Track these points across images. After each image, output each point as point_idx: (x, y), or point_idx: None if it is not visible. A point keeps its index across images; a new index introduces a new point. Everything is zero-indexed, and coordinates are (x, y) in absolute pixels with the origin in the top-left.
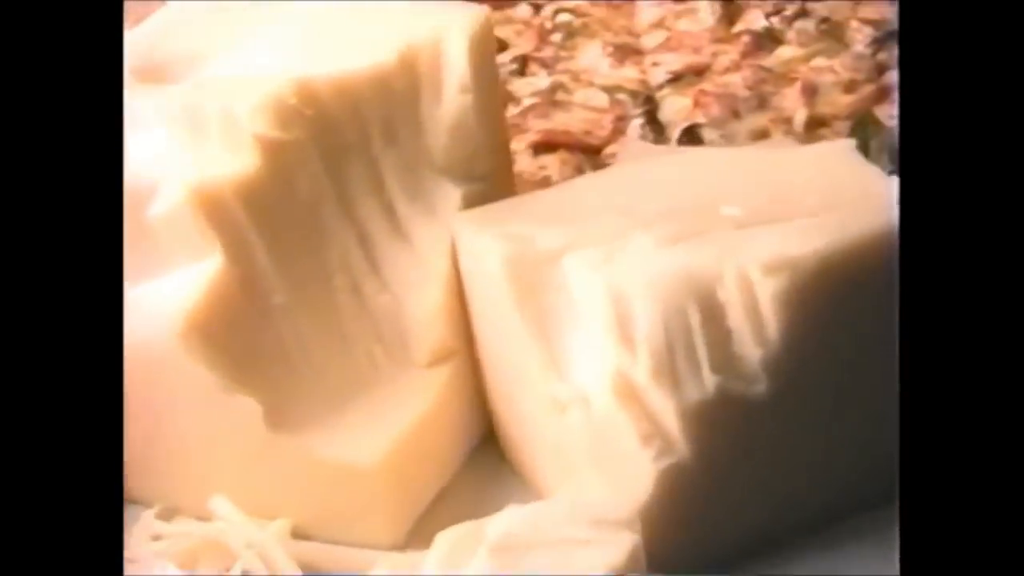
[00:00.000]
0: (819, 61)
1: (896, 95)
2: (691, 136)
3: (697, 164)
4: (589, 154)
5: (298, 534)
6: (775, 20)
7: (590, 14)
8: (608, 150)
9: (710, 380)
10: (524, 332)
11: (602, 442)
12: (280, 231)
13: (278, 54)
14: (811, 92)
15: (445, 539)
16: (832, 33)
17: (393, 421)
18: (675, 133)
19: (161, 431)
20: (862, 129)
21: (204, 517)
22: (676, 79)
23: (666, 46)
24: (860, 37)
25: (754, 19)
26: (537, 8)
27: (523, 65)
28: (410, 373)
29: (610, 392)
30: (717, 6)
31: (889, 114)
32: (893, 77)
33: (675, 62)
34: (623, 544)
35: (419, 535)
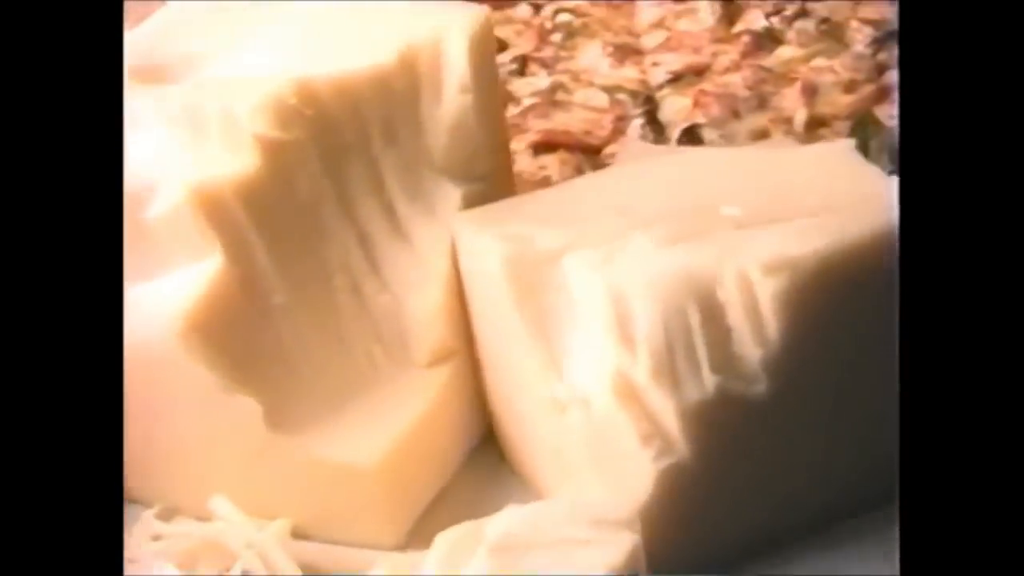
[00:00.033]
0: (819, 61)
1: (896, 95)
2: (691, 136)
3: (697, 164)
4: (589, 154)
5: (298, 534)
6: (775, 20)
7: (590, 14)
8: (608, 150)
9: (710, 380)
10: (524, 332)
11: (602, 442)
12: (280, 231)
13: (278, 54)
14: (811, 92)
15: (444, 539)
16: (832, 33)
17: (393, 421)
18: (675, 133)
19: (161, 431)
20: (862, 129)
21: (204, 517)
22: (676, 79)
23: (666, 46)
24: (860, 37)
25: (754, 19)
26: (537, 8)
27: (523, 65)
28: (410, 373)
29: (610, 392)
30: (717, 6)
31: (889, 114)
32: (893, 77)
33: (675, 62)
34: (623, 544)
35: (419, 535)
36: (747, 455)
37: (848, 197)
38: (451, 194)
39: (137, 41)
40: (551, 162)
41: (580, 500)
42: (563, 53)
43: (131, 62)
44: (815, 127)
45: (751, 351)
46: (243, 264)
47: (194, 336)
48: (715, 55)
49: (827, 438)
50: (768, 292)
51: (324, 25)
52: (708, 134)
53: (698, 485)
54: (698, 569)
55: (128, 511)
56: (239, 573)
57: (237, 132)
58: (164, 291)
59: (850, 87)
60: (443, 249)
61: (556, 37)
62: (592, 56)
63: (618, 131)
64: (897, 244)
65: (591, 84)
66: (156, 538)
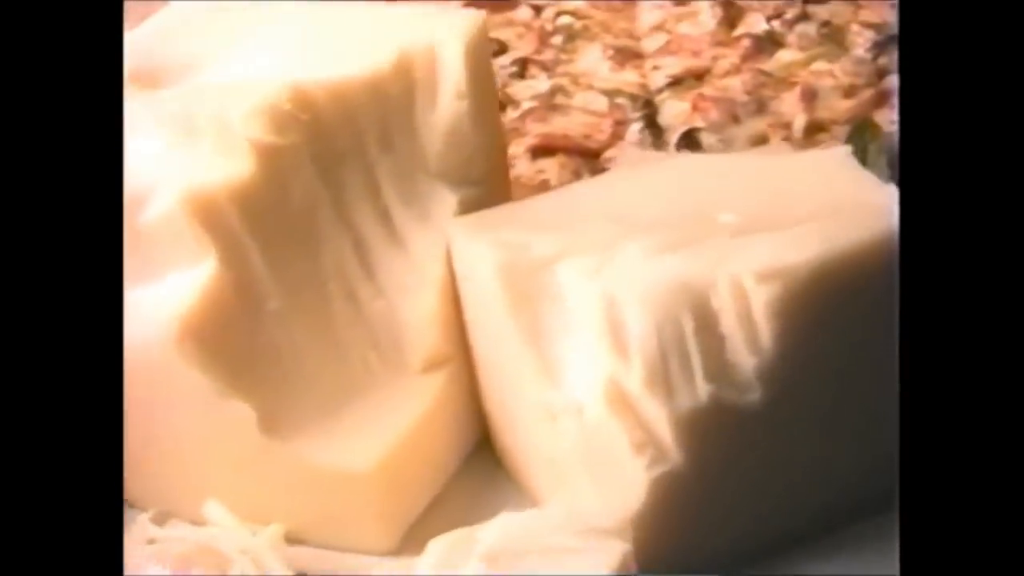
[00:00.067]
0: (819, 65)
1: (896, 100)
2: (690, 141)
3: (692, 171)
4: (587, 158)
5: (292, 539)
6: (776, 24)
7: (591, 16)
8: (607, 154)
9: (703, 388)
10: (517, 339)
11: (595, 450)
12: (275, 236)
13: (274, 59)
14: (810, 97)
15: (437, 546)
16: (833, 37)
17: (387, 427)
18: (674, 137)
19: (155, 435)
20: (860, 135)
21: (198, 521)
22: (676, 83)
23: (666, 49)
24: (861, 41)
25: (755, 22)
26: (538, 10)
27: (523, 68)
28: (405, 379)
29: (603, 400)
30: (718, 9)
31: (888, 119)
32: (893, 82)
33: (675, 66)
34: (613, 553)
35: (413, 541)
36: (740, 464)
37: (843, 205)
38: (446, 199)
39: (135, 44)
40: (549, 166)
41: (572, 508)
42: (563, 56)
43: (129, 64)
44: (814, 132)
45: (745, 359)
46: (238, 269)
47: (189, 341)
48: (715, 59)
49: (821, 446)
50: (762, 300)
51: (320, 30)
52: (707, 138)
53: (691, 493)
54: None
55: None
56: None
57: (232, 137)
58: (159, 296)
59: (850, 92)
60: (438, 255)
61: (556, 40)
62: (592, 59)
63: (617, 135)
64: (893, 251)
65: (591, 87)
66: (151, 542)
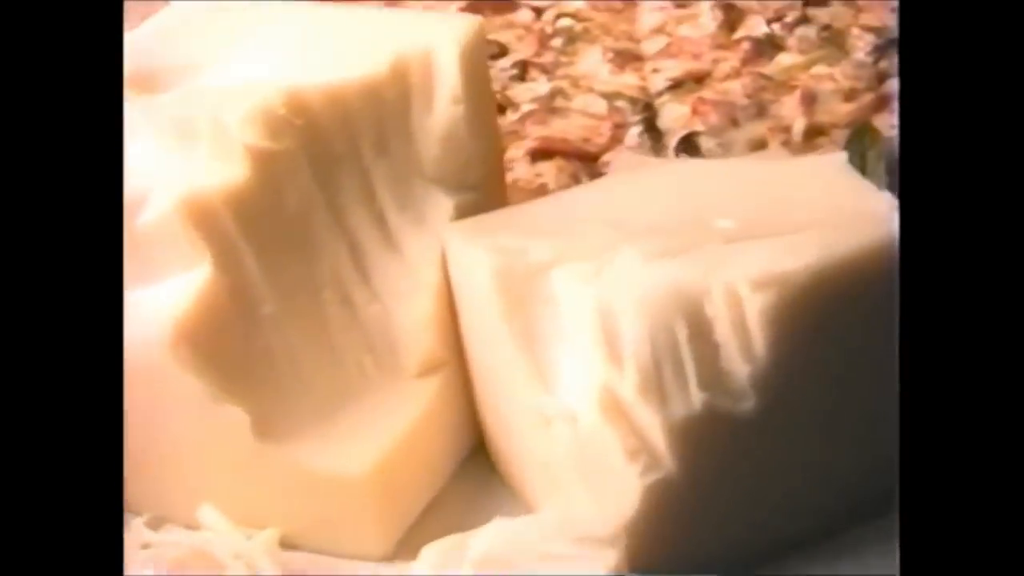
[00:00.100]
0: (819, 69)
1: (896, 104)
2: (689, 144)
3: (688, 176)
4: (586, 162)
5: (286, 544)
6: (776, 27)
7: (591, 19)
8: (605, 158)
9: (697, 396)
10: (512, 344)
11: (589, 457)
12: (270, 241)
13: (270, 62)
14: (810, 101)
15: (430, 552)
16: (833, 40)
17: (382, 431)
18: (673, 141)
19: (150, 439)
20: (859, 140)
21: (193, 526)
22: (676, 86)
23: (667, 52)
24: (861, 45)
25: (755, 25)
26: (538, 13)
27: (523, 71)
28: (400, 383)
29: (597, 407)
30: (718, 12)
31: (888, 123)
32: (893, 86)
33: (675, 68)
34: (605, 561)
35: (408, 546)
36: (734, 471)
37: (839, 212)
38: (442, 204)
39: (133, 46)
40: (548, 169)
41: (565, 515)
42: (563, 58)
43: (127, 67)
44: (814, 136)
45: (739, 367)
46: (232, 274)
47: (183, 345)
48: (716, 62)
49: (815, 454)
50: (756, 308)
51: (317, 33)
52: (706, 142)
53: (685, 501)
54: None
55: None
56: None
57: (227, 142)
58: (153, 300)
59: (850, 96)
60: (434, 259)
61: (557, 42)
62: (592, 62)
63: (616, 139)
64: (888, 259)
65: (591, 90)
66: (145, 546)
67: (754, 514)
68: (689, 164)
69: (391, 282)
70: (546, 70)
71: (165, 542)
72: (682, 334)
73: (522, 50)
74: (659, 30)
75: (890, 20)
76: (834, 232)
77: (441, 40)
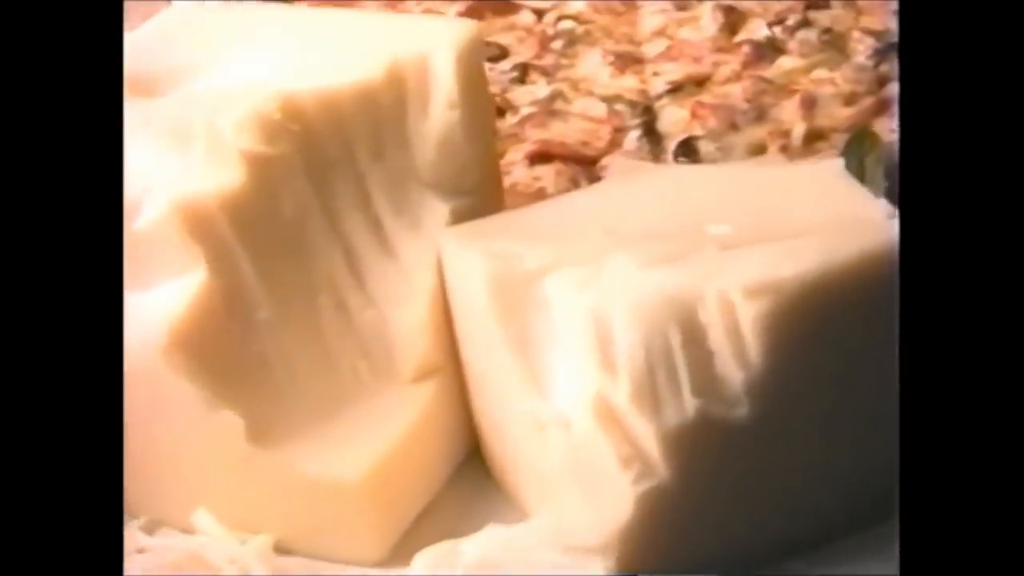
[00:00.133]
0: (820, 72)
1: (896, 108)
2: (688, 148)
3: (685, 182)
4: (584, 165)
5: (280, 549)
6: (777, 30)
7: (593, 21)
8: (603, 161)
9: (691, 403)
10: (506, 350)
11: (582, 464)
12: (265, 246)
13: (266, 67)
14: (810, 105)
15: (424, 558)
16: (834, 44)
17: (377, 436)
18: (672, 145)
19: (145, 444)
20: (858, 145)
21: (188, 530)
22: (676, 89)
23: (667, 55)
24: (862, 48)
25: (756, 28)
26: (539, 15)
27: (524, 73)
28: (395, 388)
29: (590, 414)
30: (719, 15)
31: (888, 127)
32: (894, 89)
33: (676, 72)
34: (594, 571)
35: (402, 551)
36: (728, 479)
37: (834, 218)
38: (438, 209)
39: (130, 48)
40: (546, 173)
41: (559, 523)
42: (564, 61)
43: (125, 70)
44: (813, 140)
45: (733, 374)
46: (227, 279)
47: (177, 350)
48: (716, 65)
49: (809, 462)
50: (750, 315)
51: (313, 38)
52: (705, 146)
53: (678, 508)
54: None
55: None
56: None
57: (222, 147)
58: (148, 305)
59: (850, 99)
60: (429, 264)
61: (557, 44)
62: (593, 64)
63: (615, 143)
64: (882, 266)
65: (591, 93)
66: (140, 551)
67: (748, 522)
68: (685, 170)
69: (386, 287)
70: (546, 73)
71: (160, 546)
72: (676, 341)
73: (523, 52)
74: (660, 32)
75: (891, 23)
76: (829, 239)
77: (437, 45)
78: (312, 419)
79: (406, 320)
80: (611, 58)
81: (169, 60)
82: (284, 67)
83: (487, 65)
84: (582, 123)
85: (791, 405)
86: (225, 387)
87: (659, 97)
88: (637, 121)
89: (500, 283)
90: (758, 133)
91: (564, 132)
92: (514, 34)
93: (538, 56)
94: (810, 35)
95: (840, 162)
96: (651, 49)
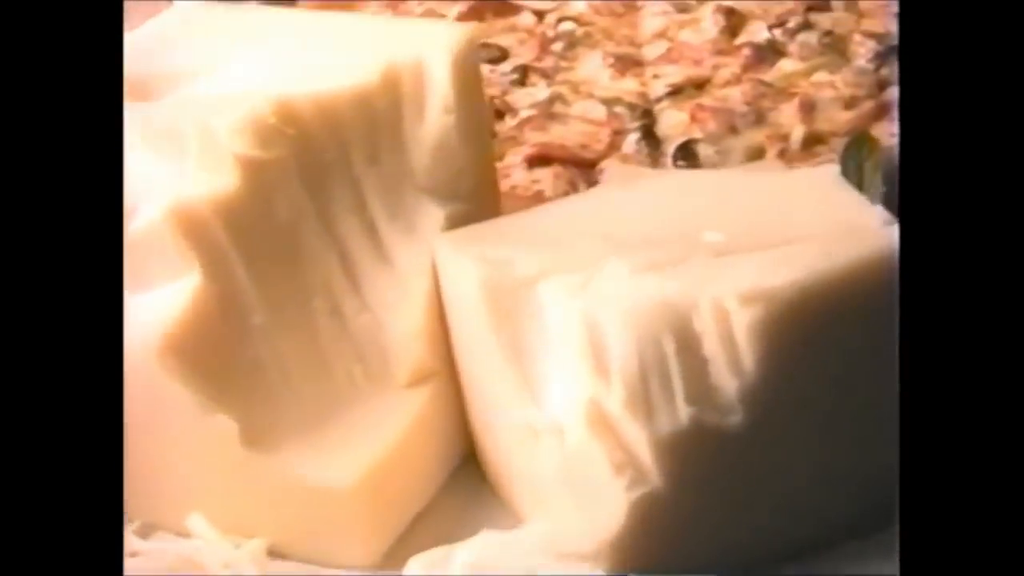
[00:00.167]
0: (821, 75)
1: (896, 112)
2: (687, 152)
3: (680, 188)
4: (583, 168)
5: (274, 553)
6: (778, 32)
7: (593, 23)
8: (602, 165)
9: (684, 410)
10: (500, 356)
11: (575, 470)
12: (259, 250)
13: (262, 71)
14: (809, 109)
15: (417, 563)
16: (835, 46)
17: (372, 441)
18: (670, 148)
19: (139, 448)
20: (856, 149)
21: (182, 534)
22: (676, 92)
23: (667, 57)
24: (863, 51)
25: (757, 31)
26: (540, 16)
27: (523, 75)
28: (390, 393)
29: (583, 421)
30: (720, 17)
31: (888, 132)
32: (894, 93)
33: (676, 74)
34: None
35: (397, 556)
36: (721, 486)
37: (829, 225)
38: (434, 213)
39: (128, 51)
40: (545, 176)
41: (552, 529)
42: (564, 63)
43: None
44: (812, 144)
45: (727, 382)
46: (222, 283)
47: (172, 355)
48: (716, 67)
49: (803, 469)
50: (744, 322)
51: (309, 42)
52: (704, 150)
53: (671, 515)
54: None
55: None
56: None
57: (217, 151)
58: (143, 309)
59: (850, 103)
60: (424, 269)
61: (558, 46)
62: (593, 66)
63: (614, 146)
64: (877, 273)
65: (590, 96)
66: (134, 555)
67: (741, 529)
68: (680, 176)
69: (381, 292)
70: (546, 75)
71: (154, 550)
72: (669, 348)
73: (523, 54)
74: (661, 35)
75: (892, 26)
76: (824, 246)
77: (433, 49)
78: (307, 423)
79: (401, 325)
80: (611, 60)
81: (166, 63)
82: (280, 70)
83: (487, 67)
84: (581, 126)
85: (785, 413)
86: (220, 391)
87: (659, 100)
88: (636, 124)
89: (494, 289)
90: (757, 137)
91: (563, 135)
92: (515, 36)
93: (538, 58)
94: (811, 38)
95: (836, 168)
96: (651, 51)
